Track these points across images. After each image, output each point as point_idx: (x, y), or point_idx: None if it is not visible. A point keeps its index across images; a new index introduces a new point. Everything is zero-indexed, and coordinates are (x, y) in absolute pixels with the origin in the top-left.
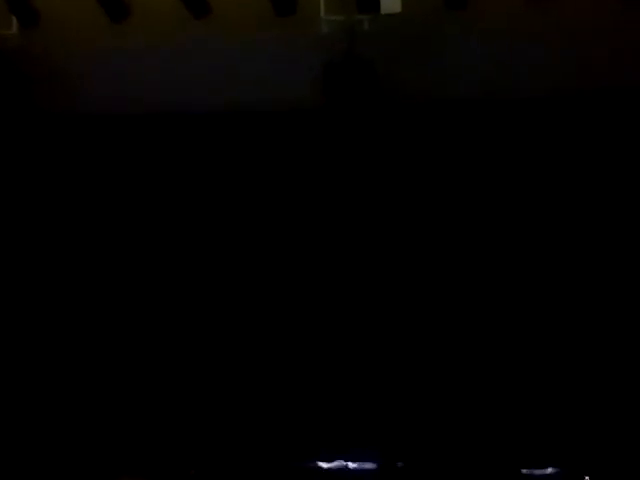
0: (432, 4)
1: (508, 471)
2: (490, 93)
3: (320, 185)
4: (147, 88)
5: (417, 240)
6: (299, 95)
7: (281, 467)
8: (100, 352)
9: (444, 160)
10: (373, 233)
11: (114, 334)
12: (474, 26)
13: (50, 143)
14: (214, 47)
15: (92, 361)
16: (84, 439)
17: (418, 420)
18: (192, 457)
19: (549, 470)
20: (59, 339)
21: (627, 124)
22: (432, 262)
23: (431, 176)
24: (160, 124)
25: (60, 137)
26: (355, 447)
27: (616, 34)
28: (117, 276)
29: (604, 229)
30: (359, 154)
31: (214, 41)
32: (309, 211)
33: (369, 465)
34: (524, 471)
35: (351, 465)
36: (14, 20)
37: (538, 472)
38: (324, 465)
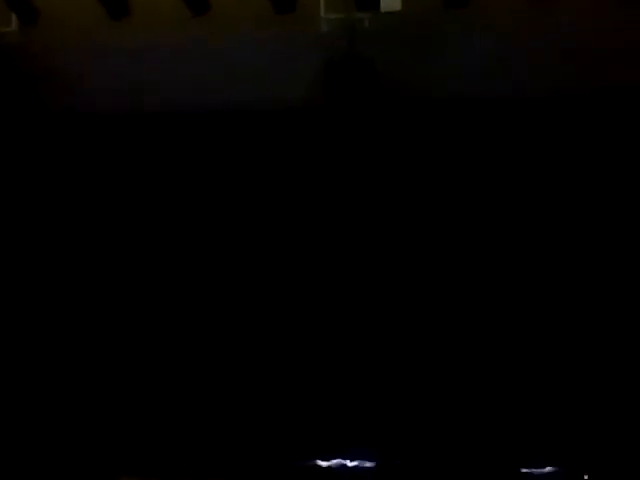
0: (432, 2)
1: (508, 470)
2: (490, 92)
3: (320, 184)
4: (146, 86)
5: (417, 238)
6: (299, 94)
7: (280, 466)
8: (100, 352)
9: (444, 159)
10: (373, 231)
11: (114, 333)
12: (475, 24)
13: (49, 141)
14: (214, 45)
15: (92, 361)
16: (84, 439)
17: (417, 419)
18: (192, 457)
19: (548, 469)
20: (59, 338)
21: (628, 124)
22: (432, 260)
23: (431, 174)
24: (159, 123)
25: (59, 135)
26: (354, 445)
27: (617, 33)
28: (117, 275)
29: (604, 228)
30: (359, 153)
31: (214, 39)
32: (309, 210)
33: (368, 464)
34: (524, 470)
35: (350, 463)
36: (14, 17)
37: (537, 471)
38: (323, 464)
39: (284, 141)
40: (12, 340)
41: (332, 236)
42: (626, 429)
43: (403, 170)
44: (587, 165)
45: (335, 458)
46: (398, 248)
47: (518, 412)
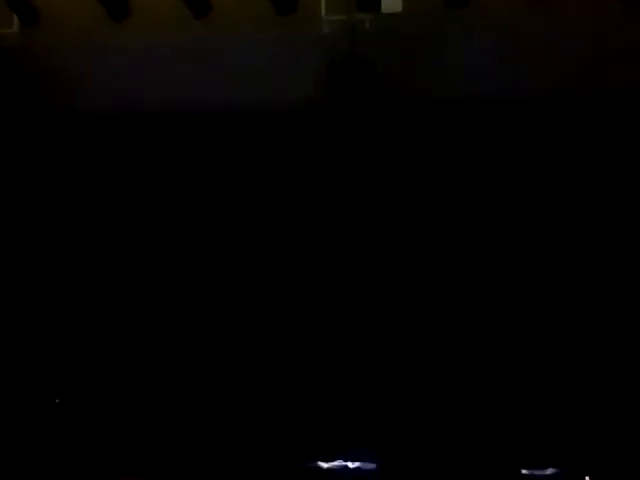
0: (433, 3)
1: (508, 472)
2: (491, 93)
3: (321, 184)
4: (147, 87)
5: (418, 239)
6: (300, 95)
7: (281, 467)
8: (100, 352)
9: (445, 159)
10: (374, 232)
11: (115, 333)
12: (475, 25)
13: (50, 141)
14: (214, 46)
15: (92, 362)
16: (84, 439)
17: (418, 420)
18: (192, 457)
19: (549, 471)
20: (59, 338)
21: (628, 124)
22: (432, 260)
23: (432, 175)
24: (160, 123)
25: (60, 135)
26: (355, 447)
27: (617, 33)
28: (117, 274)
29: (604, 228)
30: (360, 154)
31: (214, 40)
32: (311, 210)
33: (369, 465)
34: (524, 471)
35: (351, 465)
36: (15, 18)
37: (538, 472)
38: (324, 465)
39: (285, 142)
40: (12, 340)
41: (334, 236)
42: (627, 430)
43: (404, 170)
44: (587, 165)
45: (336, 459)
46: (400, 247)
47: (519, 413)
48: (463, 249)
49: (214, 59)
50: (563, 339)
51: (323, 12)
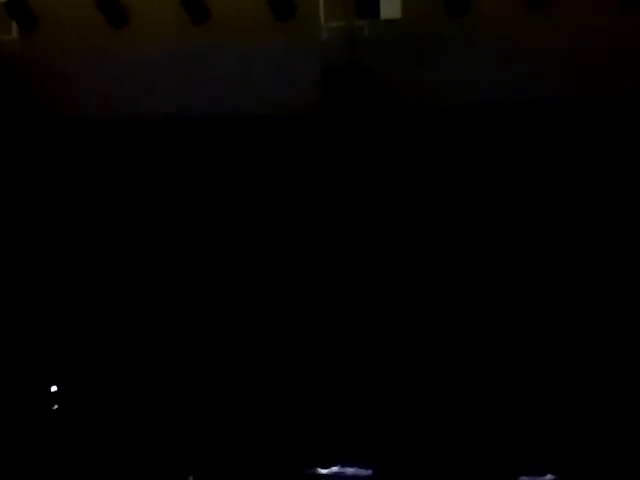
0: (432, 9)
1: (506, 479)
2: (489, 99)
3: (319, 190)
4: (146, 93)
5: (418, 245)
6: (299, 101)
7: (279, 473)
8: (99, 358)
9: (443, 166)
10: (373, 237)
11: (114, 338)
12: (475, 32)
13: (49, 147)
14: (213, 52)
15: (91, 367)
16: (82, 446)
17: (415, 426)
18: (190, 463)
19: (547, 477)
20: (58, 341)
21: (628, 129)
22: (431, 266)
23: (430, 182)
24: (159, 130)
25: (59, 141)
26: (352, 453)
27: (617, 40)
28: (119, 280)
29: (606, 232)
30: (358, 160)
31: (213, 47)
32: (308, 216)
33: (366, 471)
34: (523, 478)
35: (348, 471)
36: (14, 25)
37: None
38: (322, 471)
39: (283, 148)
40: (12, 340)
41: (333, 241)
42: (624, 438)
43: (402, 177)
44: (588, 170)
45: (334, 465)
46: (398, 254)
47: (516, 421)
48: (464, 254)
49: (213, 65)
50: (560, 347)
51: (322, 18)
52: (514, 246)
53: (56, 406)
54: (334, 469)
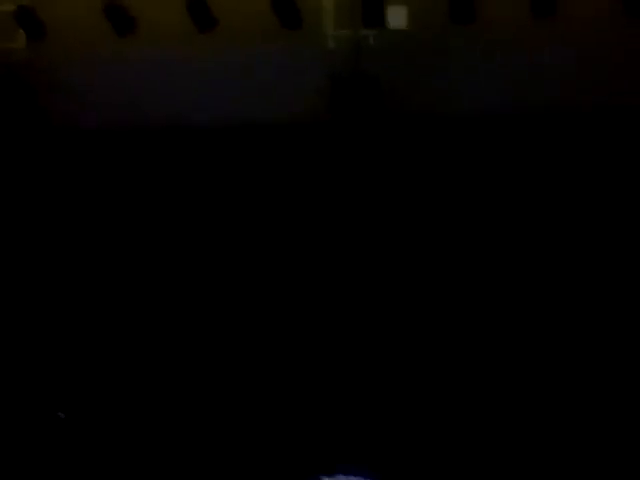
0: (438, 20)
1: None
2: (494, 108)
3: (324, 198)
4: (152, 101)
5: (421, 253)
6: (304, 109)
7: None
8: (101, 359)
9: (448, 175)
10: (378, 246)
11: (114, 345)
12: (480, 41)
13: (55, 155)
14: (219, 60)
15: (92, 365)
16: (88, 453)
17: (418, 435)
18: (192, 472)
19: None
20: (58, 345)
21: (629, 141)
22: (433, 272)
23: (435, 190)
24: (165, 137)
25: (65, 149)
26: (355, 462)
27: (620, 51)
28: (114, 286)
29: (605, 242)
30: (363, 169)
31: (220, 54)
32: (313, 224)
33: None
34: None
35: (352, 479)
36: (22, 34)
37: None
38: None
39: (288, 156)
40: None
41: (337, 248)
42: (624, 444)
43: (407, 186)
44: (588, 179)
45: (337, 474)
46: (403, 262)
47: (517, 428)
48: (470, 260)
49: (219, 73)
50: (558, 353)
51: (328, 27)
52: (517, 251)
53: (62, 415)
54: (339, 477)
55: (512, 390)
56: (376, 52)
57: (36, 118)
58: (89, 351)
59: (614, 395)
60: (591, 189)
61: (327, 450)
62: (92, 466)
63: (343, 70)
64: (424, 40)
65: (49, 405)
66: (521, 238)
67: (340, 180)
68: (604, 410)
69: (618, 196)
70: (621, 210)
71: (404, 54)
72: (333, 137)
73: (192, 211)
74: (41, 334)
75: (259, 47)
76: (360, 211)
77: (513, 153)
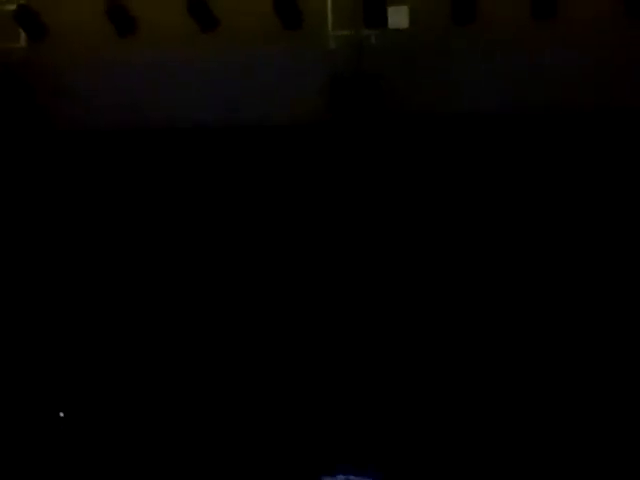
0: (439, 20)
1: None
2: (495, 108)
3: (326, 198)
4: (154, 102)
5: (421, 252)
6: (305, 109)
7: None
8: (101, 359)
9: (449, 174)
10: (379, 246)
11: (113, 344)
12: (480, 41)
13: (57, 156)
14: (221, 61)
15: (97, 375)
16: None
17: (419, 435)
18: (193, 474)
19: None
20: (58, 345)
21: (629, 142)
22: (433, 272)
23: (436, 190)
24: (167, 138)
25: (67, 150)
26: (356, 462)
27: (621, 52)
28: (115, 286)
29: (605, 243)
30: (364, 168)
31: (221, 55)
32: (315, 223)
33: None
34: None
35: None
36: (22, 33)
37: None
38: None
39: (290, 156)
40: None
41: (338, 249)
42: (623, 447)
43: (408, 185)
44: (588, 180)
45: (338, 474)
46: (403, 261)
47: (518, 430)
48: (468, 259)
49: (220, 73)
50: (556, 359)
51: (329, 27)
52: (517, 250)
53: (62, 414)
54: (339, 477)
55: (512, 390)
56: (377, 52)
57: (35, 118)
58: (89, 351)
59: (614, 395)
60: (591, 189)
61: (327, 450)
62: (92, 466)
63: (344, 70)
64: (425, 40)
65: (49, 405)
66: (521, 238)
67: (341, 180)
68: (604, 410)
69: (618, 196)
70: (621, 210)
71: (405, 54)
72: (334, 137)
73: (194, 211)
74: (41, 334)
75: (260, 48)
76: (361, 211)
77: (513, 153)
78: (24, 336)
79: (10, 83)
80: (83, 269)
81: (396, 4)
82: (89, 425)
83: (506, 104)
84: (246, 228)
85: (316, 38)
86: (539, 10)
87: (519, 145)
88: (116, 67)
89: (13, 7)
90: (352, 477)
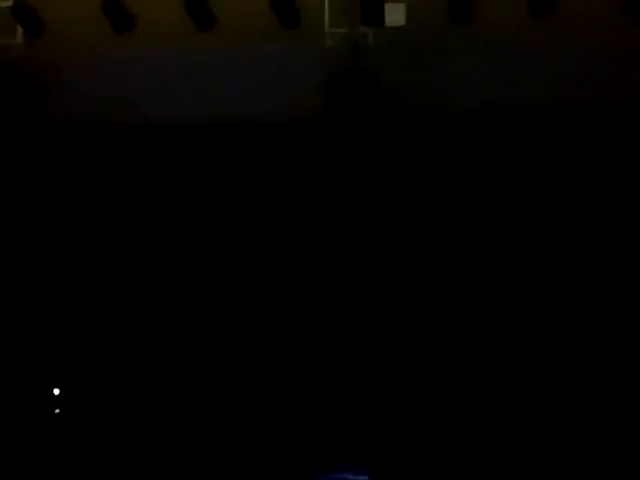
0: (437, 18)
1: None
2: (493, 106)
3: (323, 197)
4: (150, 99)
5: (421, 252)
6: (302, 107)
7: None
8: (101, 361)
9: (447, 173)
10: (377, 245)
11: (113, 344)
12: (478, 39)
13: (52, 153)
14: (218, 59)
15: (93, 370)
16: (84, 449)
17: (415, 433)
18: (190, 473)
19: None
20: (58, 344)
21: (628, 140)
22: (433, 271)
23: (434, 189)
24: (163, 136)
25: (62, 147)
26: (351, 461)
27: (619, 50)
28: (114, 284)
29: (605, 241)
30: (362, 167)
31: (218, 53)
32: (313, 222)
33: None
34: None
35: (347, 477)
36: (19, 30)
37: None
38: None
39: (287, 154)
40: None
41: (335, 248)
42: (623, 448)
43: (406, 184)
44: (587, 178)
45: (333, 472)
46: (403, 261)
47: (514, 430)
48: (466, 261)
49: (217, 71)
50: (555, 361)
51: (327, 25)
52: (517, 250)
53: (58, 410)
54: (339, 477)
55: (512, 390)
56: (374, 50)
57: (32, 114)
58: (89, 350)
59: (614, 395)
60: (591, 188)
61: (327, 450)
62: (92, 466)
63: (341, 68)
64: (423, 38)
65: (48, 403)
66: (521, 238)
67: (339, 178)
68: (604, 410)
69: (618, 195)
70: (621, 210)
71: (403, 52)
72: (332, 135)
73: (191, 209)
74: (41, 333)
75: (257, 46)
76: (359, 209)
77: (512, 152)
78: (19, 332)
79: (7, 79)
80: (79, 264)
81: (393, 2)
82: (85, 422)
83: (504, 102)
84: (244, 226)
85: (313, 36)
86: (537, 8)
87: (517, 143)
88: (113, 64)
89: (10, 3)
90: (349, 476)
